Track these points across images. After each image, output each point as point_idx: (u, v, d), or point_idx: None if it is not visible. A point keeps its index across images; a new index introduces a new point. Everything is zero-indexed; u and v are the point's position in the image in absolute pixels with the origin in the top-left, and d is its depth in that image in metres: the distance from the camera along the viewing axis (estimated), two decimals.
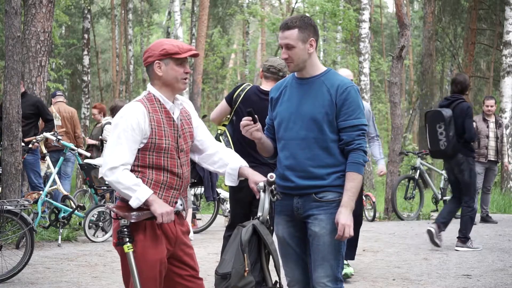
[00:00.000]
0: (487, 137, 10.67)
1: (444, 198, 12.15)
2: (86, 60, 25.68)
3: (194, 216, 10.02)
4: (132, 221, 3.30)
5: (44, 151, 9.13)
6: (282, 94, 3.69)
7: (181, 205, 3.49)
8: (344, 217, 3.43)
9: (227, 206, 10.17)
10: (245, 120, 3.55)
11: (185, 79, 3.45)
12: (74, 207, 8.61)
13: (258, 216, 3.48)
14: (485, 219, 11.11)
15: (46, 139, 9.07)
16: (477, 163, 9.78)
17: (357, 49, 22.02)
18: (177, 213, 3.47)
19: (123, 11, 31.64)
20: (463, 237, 7.99)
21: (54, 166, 9.01)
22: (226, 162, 3.58)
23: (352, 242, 6.25)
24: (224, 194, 9.99)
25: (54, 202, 8.59)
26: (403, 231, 10.03)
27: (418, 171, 11.93)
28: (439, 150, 7.91)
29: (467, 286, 6.07)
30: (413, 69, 34.52)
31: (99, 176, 9.15)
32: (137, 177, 3.34)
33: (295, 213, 3.60)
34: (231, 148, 5.25)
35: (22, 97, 8.53)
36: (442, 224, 8.02)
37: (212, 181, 8.05)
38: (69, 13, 27.58)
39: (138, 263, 3.32)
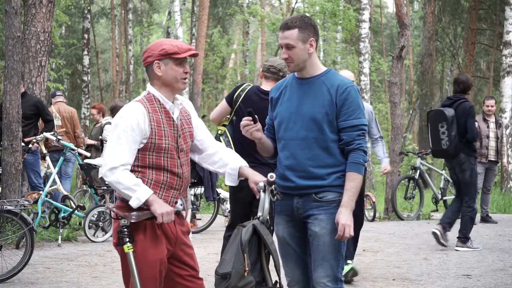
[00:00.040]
0: (487, 137, 10.67)
1: (444, 198, 12.16)
2: (86, 60, 25.68)
3: (194, 216, 10.02)
4: (132, 221, 3.30)
5: (44, 151, 9.13)
6: (282, 94, 3.69)
7: (181, 205, 3.49)
8: (344, 217, 3.43)
9: (227, 206, 10.17)
10: (245, 120, 3.55)
11: (185, 79, 3.45)
12: (74, 207, 8.61)
13: (258, 216, 3.48)
14: (485, 219, 11.11)
15: (46, 139, 9.07)
16: (477, 163, 9.78)
17: (357, 49, 22.02)
18: (177, 213, 3.47)
19: (123, 11, 31.65)
20: (463, 237, 7.99)
21: (54, 166, 9.01)
22: (226, 162, 3.58)
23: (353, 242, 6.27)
24: (224, 194, 9.99)
25: (54, 202, 8.59)
26: (403, 231, 10.03)
27: (418, 171, 11.93)
28: (441, 149, 7.91)
29: (467, 286, 6.07)
30: (413, 69, 34.51)
31: (99, 176, 9.15)
32: (137, 177, 3.34)
33: (295, 213, 3.60)
34: (232, 148, 5.25)
35: (22, 97, 8.53)
36: (448, 224, 8.04)
37: (212, 181, 8.06)
38: (69, 13, 27.58)
39: (138, 263, 3.32)
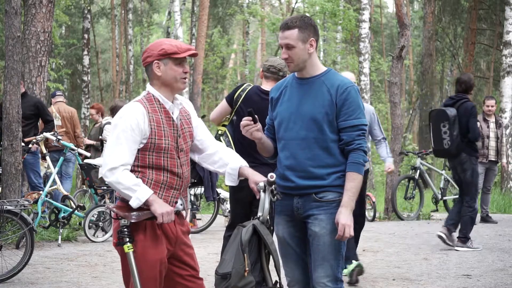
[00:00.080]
0: (488, 137, 10.68)
1: (444, 198, 12.15)
2: (86, 60, 25.69)
3: (194, 216, 10.02)
4: (132, 221, 3.30)
5: (44, 151, 9.13)
6: (282, 94, 3.69)
7: (181, 205, 3.49)
8: (344, 217, 3.43)
9: (227, 206, 10.17)
10: (245, 120, 3.55)
11: (184, 78, 3.45)
12: (74, 207, 8.61)
13: (258, 216, 3.48)
14: (485, 219, 11.11)
15: (46, 139, 9.07)
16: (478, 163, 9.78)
17: (357, 49, 22.01)
18: (177, 213, 3.47)
19: (123, 11, 31.65)
20: (463, 237, 7.99)
21: (54, 166, 9.01)
22: (226, 162, 3.58)
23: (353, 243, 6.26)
24: (224, 194, 9.99)
25: (54, 202, 8.59)
26: (403, 231, 10.03)
27: (418, 171, 11.93)
28: (442, 149, 7.92)
29: (467, 286, 6.07)
30: (413, 69, 34.51)
31: (99, 176, 9.15)
32: (137, 177, 3.34)
33: (295, 213, 3.60)
34: (232, 148, 5.25)
35: (22, 98, 8.53)
36: (452, 226, 8.05)
37: (212, 181, 8.04)
38: (69, 13, 27.59)
39: (138, 263, 3.31)
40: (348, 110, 3.52)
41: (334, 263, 3.55)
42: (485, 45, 26.87)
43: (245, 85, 5.46)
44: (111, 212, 3.42)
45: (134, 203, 3.29)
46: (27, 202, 6.38)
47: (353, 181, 3.48)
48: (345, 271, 6.03)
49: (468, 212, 7.91)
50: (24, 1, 9.95)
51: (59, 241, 8.23)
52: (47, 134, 8.83)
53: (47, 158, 9.24)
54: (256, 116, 3.55)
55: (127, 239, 3.32)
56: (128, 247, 3.31)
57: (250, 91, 5.35)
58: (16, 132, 8.24)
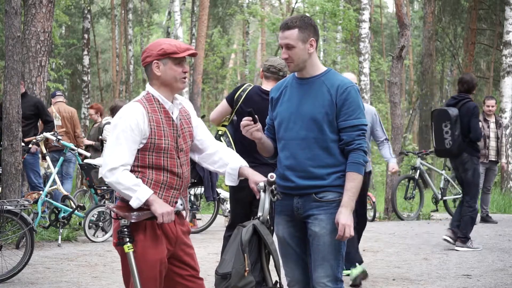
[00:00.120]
0: (488, 137, 10.67)
1: (444, 198, 12.15)
2: (86, 60, 25.68)
3: (194, 216, 10.02)
4: (132, 221, 3.30)
5: (44, 151, 9.14)
6: (282, 94, 3.69)
7: (181, 205, 3.49)
8: (345, 217, 3.43)
9: (227, 206, 10.17)
10: (246, 120, 3.55)
11: (184, 78, 3.45)
12: (74, 207, 8.61)
13: (258, 216, 3.48)
14: (485, 219, 11.11)
15: (46, 139, 9.07)
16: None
17: (357, 49, 22.02)
18: (177, 213, 3.47)
19: (123, 11, 31.64)
20: (464, 237, 7.99)
21: (54, 166, 9.01)
22: (226, 162, 3.57)
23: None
24: (224, 194, 9.99)
25: (54, 202, 8.59)
26: (403, 231, 10.03)
27: (418, 171, 11.93)
28: (444, 149, 7.92)
29: (467, 286, 6.07)
30: (413, 69, 34.50)
31: (99, 176, 9.15)
32: (137, 177, 3.34)
33: (295, 213, 3.60)
34: (233, 149, 5.25)
35: (22, 98, 8.53)
36: (457, 228, 8.04)
37: (212, 181, 8.02)
38: (69, 13, 27.58)
39: (138, 263, 3.31)
40: (348, 110, 3.52)
41: (334, 263, 3.55)
42: (485, 45, 26.87)
43: (245, 85, 5.45)
44: (111, 212, 3.42)
45: (134, 203, 3.29)
46: (27, 202, 6.38)
47: (353, 181, 3.48)
48: (350, 276, 6.02)
49: (469, 212, 7.91)
50: (24, 1, 9.95)
51: (59, 241, 8.23)
52: (47, 134, 8.83)
53: (47, 158, 9.24)
54: (256, 116, 3.55)
55: (127, 239, 3.31)
56: (128, 247, 3.31)
57: (251, 91, 5.34)
58: (16, 132, 8.24)
